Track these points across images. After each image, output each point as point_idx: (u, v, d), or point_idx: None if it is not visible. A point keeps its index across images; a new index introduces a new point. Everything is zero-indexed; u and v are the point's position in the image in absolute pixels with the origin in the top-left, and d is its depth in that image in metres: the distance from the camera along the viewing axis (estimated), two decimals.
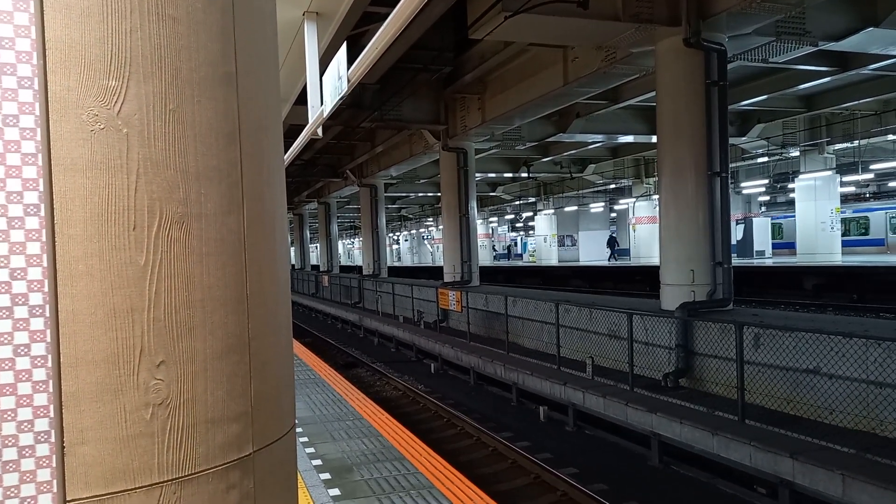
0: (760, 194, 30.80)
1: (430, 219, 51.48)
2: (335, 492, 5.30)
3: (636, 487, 7.54)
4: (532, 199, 36.73)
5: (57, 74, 0.98)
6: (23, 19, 0.96)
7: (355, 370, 15.95)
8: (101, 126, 1.01)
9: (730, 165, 9.77)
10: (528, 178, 28.67)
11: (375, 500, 5.12)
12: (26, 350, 0.97)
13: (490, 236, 47.56)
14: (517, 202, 39.14)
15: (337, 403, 8.71)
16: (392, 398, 12.73)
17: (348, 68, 4.87)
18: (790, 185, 24.54)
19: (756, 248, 26.09)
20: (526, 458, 8.18)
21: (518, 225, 52.19)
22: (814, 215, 21.20)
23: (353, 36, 9.25)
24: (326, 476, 5.71)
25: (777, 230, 27.60)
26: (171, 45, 1.08)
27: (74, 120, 0.99)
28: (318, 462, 6.13)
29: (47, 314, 0.98)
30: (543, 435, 9.72)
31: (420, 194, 36.44)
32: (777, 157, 23.13)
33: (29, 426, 0.97)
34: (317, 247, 48.74)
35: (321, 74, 5.79)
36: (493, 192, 35.85)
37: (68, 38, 0.99)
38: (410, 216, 54.18)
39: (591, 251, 34.52)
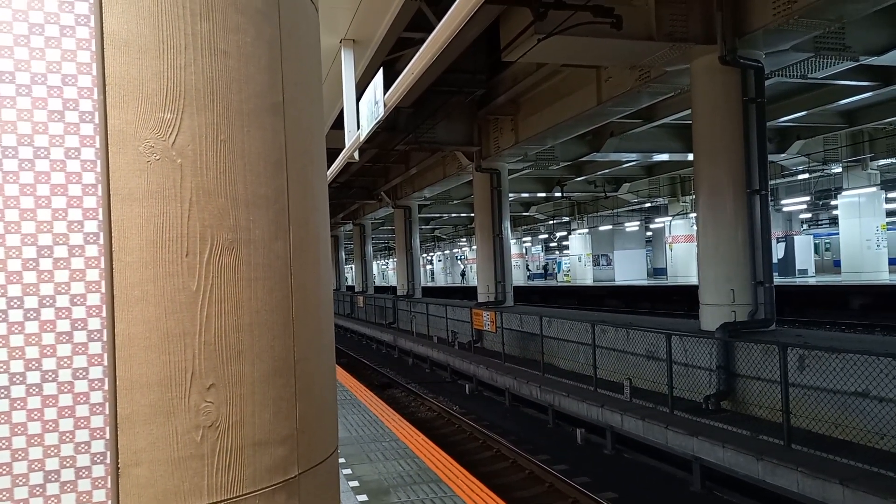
0: (801, 211, 30.10)
1: (464, 239, 51.56)
2: None
3: None
4: (566, 219, 36.53)
5: (116, 109, 1.03)
6: (85, 57, 1.01)
7: (390, 391, 15.95)
8: (157, 157, 1.05)
9: (769, 183, 9.58)
10: (562, 197, 28.54)
11: None
12: (85, 373, 1.00)
13: (524, 256, 47.34)
14: (551, 222, 38.96)
15: (373, 424, 8.72)
16: (427, 419, 12.68)
17: (384, 93, 4.95)
18: (833, 202, 23.94)
19: (798, 266, 25.43)
20: (563, 481, 8.05)
21: (552, 244, 51.86)
22: (858, 233, 20.61)
23: (388, 61, 9.40)
24: (364, 498, 5.70)
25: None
26: (223, 78, 1.12)
27: (132, 151, 1.03)
28: (355, 483, 6.13)
29: (105, 339, 1.01)
30: (581, 458, 9.56)
31: (453, 215, 36.54)
32: (818, 174, 22.59)
33: (86, 448, 1.00)
34: (352, 268, 49.20)
35: (358, 99, 5.90)
36: (527, 211, 35.76)
37: (127, 74, 1.03)
38: (444, 237, 54.34)
39: (627, 271, 34.06)
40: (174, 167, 1.06)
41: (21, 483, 0.96)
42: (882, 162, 20.48)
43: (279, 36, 1.23)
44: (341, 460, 6.91)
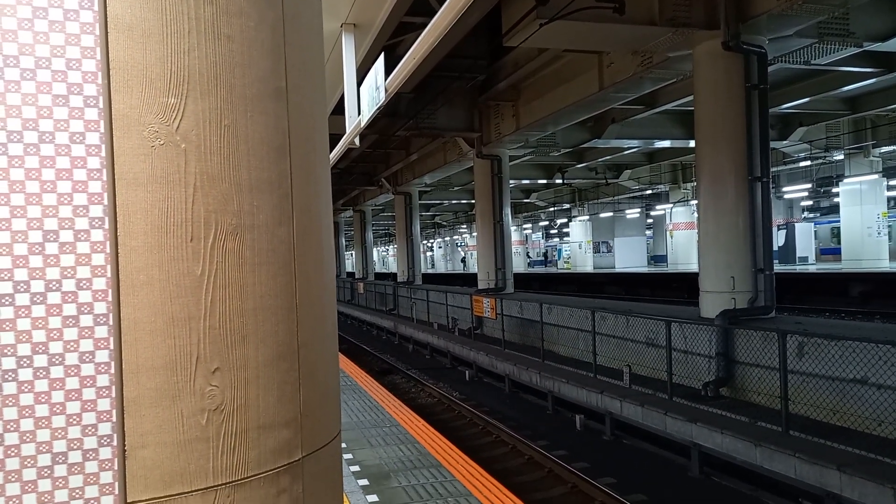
0: (803, 199, 30.05)
1: (464, 226, 51.54)
2: (373, 498, 5.34)
3: (676, 498, 7.41)
4: (567, 206, 36.50)
5: (120, 93, 1.03)
6: (89, 41, 1.00)
7: (391, 377, 16.02)
8: (161, 142, 1.05)
9: (771, 170, 9.56)
10: (563, 184, 28.51)
11: None
12: (91, 357, 1.01)
13: (524, 243, 47.34)
14: (551, 208, 38.92)
15: (373, 410, 8.77)
16: (427, 405, 12.75)
17: (385, 78, 4.93)
18: (834, 190, 23.90)
19: (799, 254, 25.44)
20: (562, 467, 8.11)
21: (552, 231, 51.85)
22: (860, 220, 20.60)
23: (389, 46, 9.34)
24: (364, 482, 5.75)
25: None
26: (226, 63, 1.12)
27: (136, 136, 1.03)
28: (355, 468, 6.18)
29: (111, 322, 1.02)
30: (580, 444, 9.63)
31: (454, 201, 36.51)
32: (820, 161, 22.54)
33: (93, 430, 1.01)
34: (352, 254, 49.22)
35: (358, 84, 5.87)
36: (527, 198, 35.72)
37: (130, 59, 1.03)
38: (444, 223, 54.31)
39: (628, 258, 34.08)
40: (178, 152, 1.07)
41: (29, 465, 0.97)
42: (884, 149, 20.42)
43: (282, 20, 1.23)
44: (342, 445, 6.95)
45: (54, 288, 0.98)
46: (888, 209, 21.27)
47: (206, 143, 1.10)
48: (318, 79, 1.42)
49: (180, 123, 1.07)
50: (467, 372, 15.38)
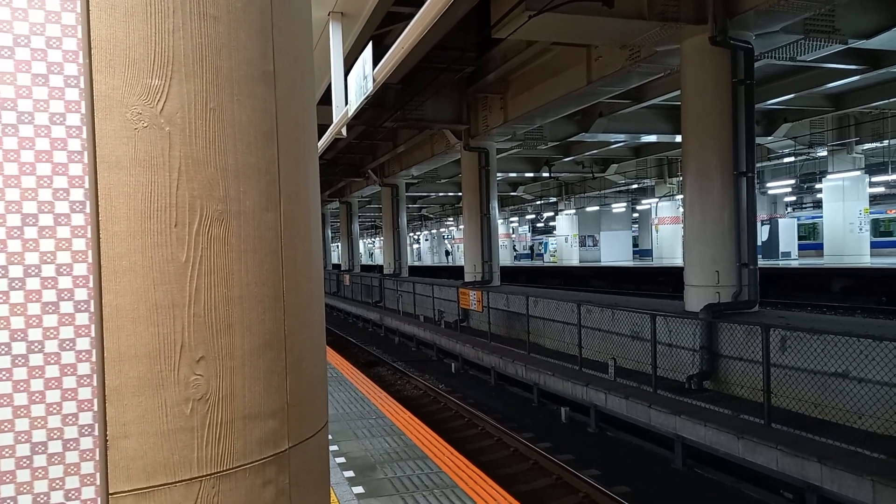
0: (787, 195, 30.33)
1: (451, 218, 51.52)
2: (359, 489, 5.33)
3: (659, 490, 7.47)
4: (553, 199, 36.59)
5: (102, 73, 0.99)
6: (70, 19, 0.97)
7: (376, 369, 16.00)
8: (145, 124, 1.02)
9: (756, 165, 9.63)
10: (550, 177, 28.57)
11: (399, 499, 5.13)
12: (72, 344, 0.98)
13: (511, 236, 47.41)
14: (538, 202, 38.99)
15: (359, 402, 8.75)
16: (413, 397, 12.76)
17: (373, 68, 4.89)
18: (817, 186, 24.14)
19: (782, 249, 25.70)
20: (548, 458, 8.15)
21: (539, 225, 51.96)
22: (842, 216, 20.84)
23: (377, 36, 9.28)
24: (350, 474, 5.74)
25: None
26: (212, 44, 1.09)
27: (119, 118, 1.00)
28: (341, 460, 6.16)
29: (92, 309, 0.99)
30: (565, 436, 9.67)
31: (441, 194, 36.47)
32: (804, 157, 22.76)
33: (73, 419, 0.98)
34: (338, 246, 49.02)
35: (346, 74, 5.82)
36: (514, 191, 35.76)
37: (113, 38, 1.00)
38: (431, 216, 54.26)
39: (613, 252, 34.26)
40: (162, 135, 1.04)
41: (7, 455, 0.95)
42: (867, 146, 20.66)
43: (270, 3, 1.20)
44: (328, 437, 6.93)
45: (33, 273, 0.96)
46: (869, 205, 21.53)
47: (192, 127, 1.07)
48: (307, 64, 1.40)
49: (164, 105, 1.04)
50: (453, 364, 15.39)
